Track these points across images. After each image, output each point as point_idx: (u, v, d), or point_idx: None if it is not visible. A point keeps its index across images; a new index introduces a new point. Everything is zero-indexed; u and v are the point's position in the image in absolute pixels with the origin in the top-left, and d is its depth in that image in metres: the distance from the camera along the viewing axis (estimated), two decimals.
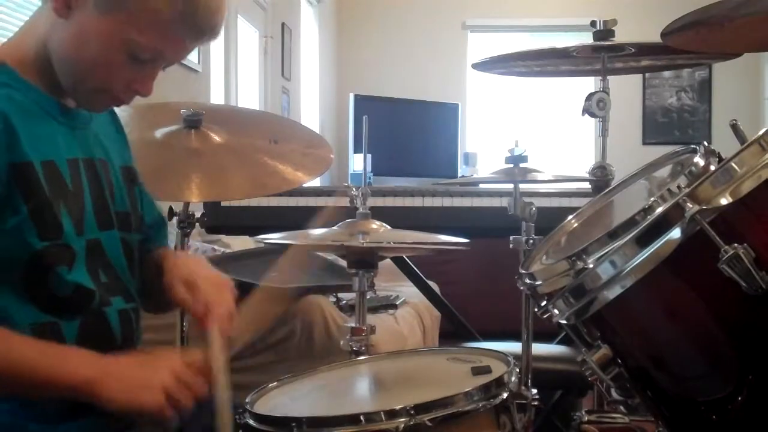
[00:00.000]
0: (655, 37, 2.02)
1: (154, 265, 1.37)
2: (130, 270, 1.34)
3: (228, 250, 3.32)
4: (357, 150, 5.52)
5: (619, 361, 1.25)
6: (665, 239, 1.09)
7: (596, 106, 2.37)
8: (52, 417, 1.20)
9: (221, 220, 2.83)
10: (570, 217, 1.53)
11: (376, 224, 1.82)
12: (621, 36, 2.44)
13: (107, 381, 1.15)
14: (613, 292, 1.14)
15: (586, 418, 2.10)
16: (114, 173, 1.34)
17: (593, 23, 2.45)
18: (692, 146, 1.30)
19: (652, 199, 1.14)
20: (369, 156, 2.17)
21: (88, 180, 1.27)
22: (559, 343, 2.66)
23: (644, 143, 6.61)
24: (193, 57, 3.82)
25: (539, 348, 2.15)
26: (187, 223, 2.04)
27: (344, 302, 2.99)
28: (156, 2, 1.20)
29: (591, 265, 1.17)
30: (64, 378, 1.15)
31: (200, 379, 1.19)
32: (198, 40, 1.27)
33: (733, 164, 1.09)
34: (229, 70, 4.49)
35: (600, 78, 2.47)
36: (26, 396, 1.18)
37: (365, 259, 1.77)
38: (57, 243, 1.20)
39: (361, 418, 1.19)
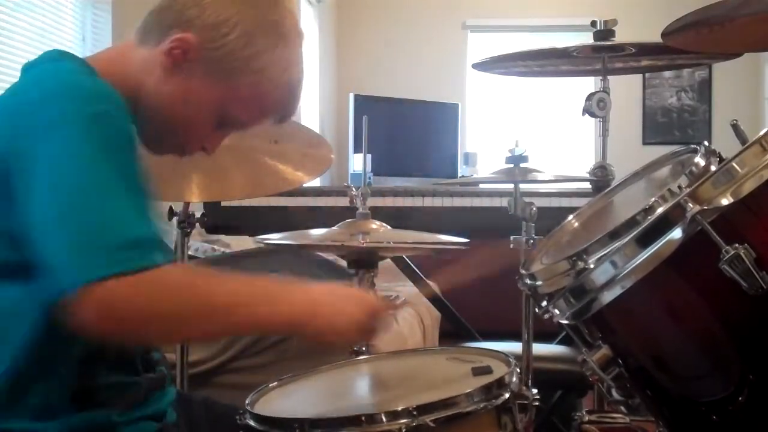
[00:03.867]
0: (655, 37, 2.02)
1: None
2: None
3: (228, 250, 3.32)
4: (357, 150, 5.50)
5: (620, 361, 1.25)
6: (666, 239, 1.09)
7: (596, 106, 2.36)
8: (49, 411, 1.15)
9: (221, 220, 2.83)
10: (570, 217, 1.53)
11: (376, 224, 1.82)
12: (621, 36, 2.44)
13: (317, 320, 1.16)
14: (614, 293, 1.14)
15: (586, 418, 2.10)
16: None
17: (593, 23, 2.45)
18: (693, 146, 1.30)
19: (653, 199, 1.14)
20: (369, 156, 2.17)
21: None
22: (559, 343, 2.66)
23: (644, 143, 6.60)
24: None
25: (539, 348, 2.15)
26: (187, 223, 2.04)
27: None
28: (266, 86, 1.26)
29: (592, 266, 1.17)
30: (280, 317, 1.14)
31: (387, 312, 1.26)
32: (279, 121, 1.35)
33: (735, 164, 1.09)
34: None
35: (600, 78, 2.47)
36: (217, 336, 1.19)
37: (365, 259, 1.77)
38: None
39: (363, 419, 1.19)
